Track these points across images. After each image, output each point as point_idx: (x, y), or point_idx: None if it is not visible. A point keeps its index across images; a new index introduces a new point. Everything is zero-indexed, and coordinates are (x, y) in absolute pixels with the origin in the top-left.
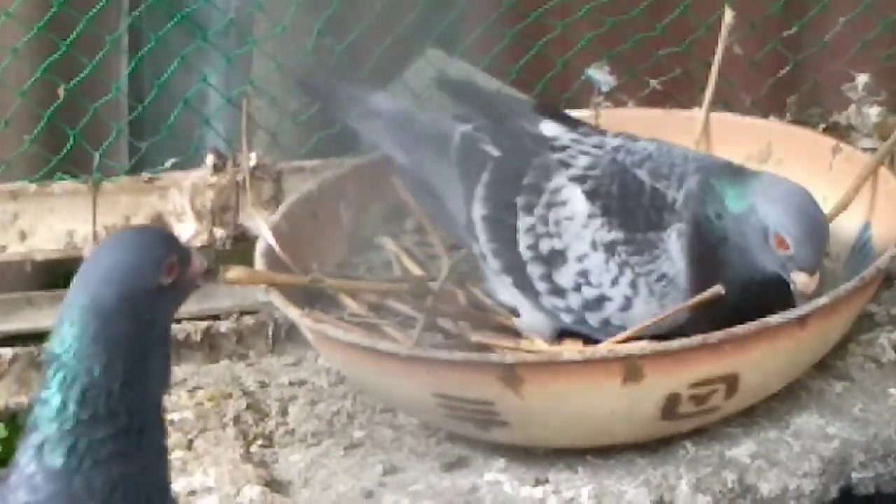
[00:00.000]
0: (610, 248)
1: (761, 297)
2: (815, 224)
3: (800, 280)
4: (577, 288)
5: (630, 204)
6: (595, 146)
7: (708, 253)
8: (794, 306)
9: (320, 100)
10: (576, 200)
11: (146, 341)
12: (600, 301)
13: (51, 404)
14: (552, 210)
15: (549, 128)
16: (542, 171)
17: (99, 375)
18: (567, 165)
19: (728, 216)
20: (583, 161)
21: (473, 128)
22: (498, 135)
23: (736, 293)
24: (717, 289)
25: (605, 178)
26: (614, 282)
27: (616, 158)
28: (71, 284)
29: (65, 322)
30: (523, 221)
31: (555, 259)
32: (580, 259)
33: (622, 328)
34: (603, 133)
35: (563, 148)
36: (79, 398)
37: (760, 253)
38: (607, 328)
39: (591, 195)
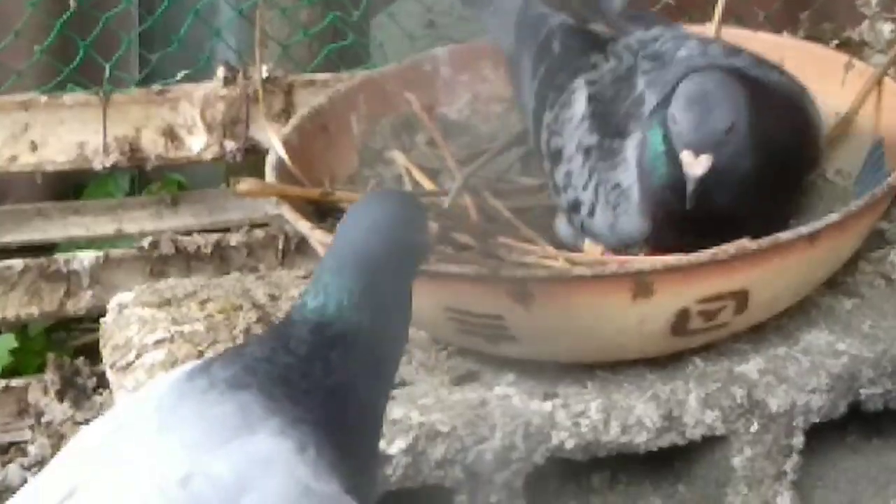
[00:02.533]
0: (587, 151)
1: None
2: (698, 98)
3: (684, 158)
4: (565, 188)
5: (614, 108)
6: (628, 48)
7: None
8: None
9: None
10: (579, 102)
11: (402, 298)
12: (577, 204)
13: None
14: (563, 109)
15: (620, 28)
16: (573, 71)
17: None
18: (595, 67)
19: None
20: (609, 64)
21: (556, 25)
22: (566, 33)
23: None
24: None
25: (612, 81)
26: (584, 186)
27: (635, 62)
28: (335, 235)
29: (329, 272)
30: (546, 117)
31: (556, 157)
32: (569, 159)
33: (592, 235)
34: (674, 30)
35: (607, 49)
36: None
37: (658, 156)
38: (583, 233)
39: (591, 98)
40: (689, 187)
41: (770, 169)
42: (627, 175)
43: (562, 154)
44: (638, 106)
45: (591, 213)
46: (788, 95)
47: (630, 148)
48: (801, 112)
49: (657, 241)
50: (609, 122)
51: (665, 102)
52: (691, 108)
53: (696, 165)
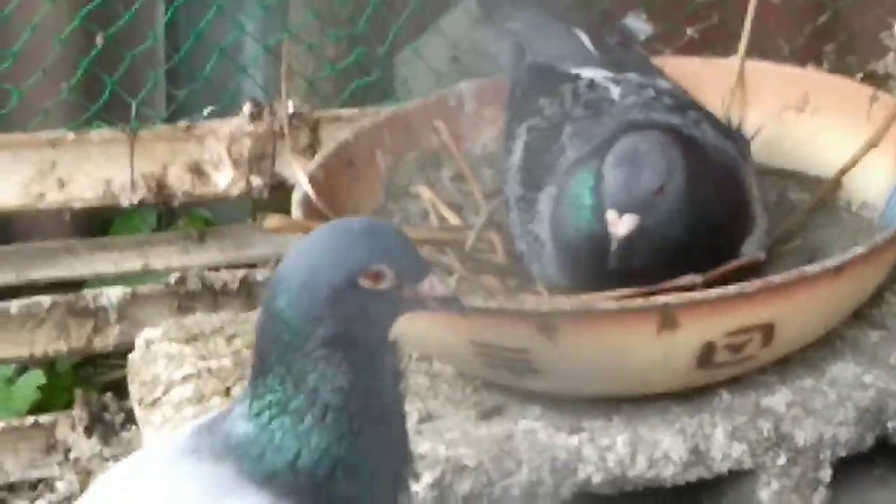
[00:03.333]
0: (518, 203)
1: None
2: (633, 157)
3: (609, 217)
4: (515, 237)
5: (538, 160)
6: (583, 88)
7: (564, 226)
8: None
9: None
10: (517, 151)
11: (363, 342)
12: (521, 253)
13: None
14: (508, 157)
15: (588, 68)
16: (523, 116)
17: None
18: (540, 112)
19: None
20: (552, 109)
21: (524, 68)
22: (531, 76)
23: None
24: (756, 255)
25: (546, 129)
26: (521, 236)
27: (569, 108)
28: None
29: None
30: (504, 164)
31: (507, 205)
32: (511, 210)
33: (535, 279)
34: (644, 71)
35: (556, 90)
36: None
37: (582, 211)
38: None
39: (525, 146)
40: (612, 247)
41: (700, 233)
42: (542, 227)
43: (508, 204)
44: (556, 157)
45: (528, 260)
46: (724, 160)
47: (543, 201)
48: (736, 178)
49: (579, 289)
50: (532, 174)
51: (594, 154)
52: (621, 167)
53: (619, 225)
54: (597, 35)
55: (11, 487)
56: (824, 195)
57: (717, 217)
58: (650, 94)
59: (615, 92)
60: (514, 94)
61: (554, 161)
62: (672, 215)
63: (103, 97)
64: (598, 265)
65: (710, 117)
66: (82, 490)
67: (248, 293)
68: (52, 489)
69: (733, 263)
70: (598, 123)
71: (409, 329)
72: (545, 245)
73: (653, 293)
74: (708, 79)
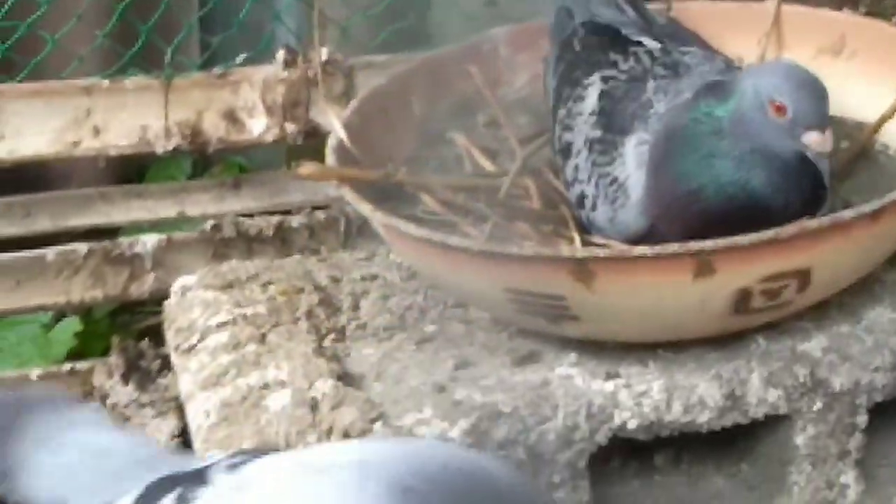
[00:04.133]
0: (591, 145)
1: (759, 197)
2: (807, 80)
3: (812, 140)
4: (573, 183)
5: (622, 106)
6: (648, 55)
7: (683, 163)
8: (809, 201)
9: None
10: (591, 97)
11: None
12: (582, 198)
13: None
14: (576, 103)
15: (639, 25)
16: (591, 66)
17: None
18: (614, 65)
19: (718, 120)
20: (628, 64)
21: (580, 24)
22: (589, 31)
23: (722, 200)
24: None
25: (626, 81)
26: (588, 179)
27: (646, 70)
28: None
29: None
30: (560, 113)
31: (566, 152)
32: (577, 153)
33: (596, 228)
34: (679, 38)
35: (627, 49)
36: None
37: (764, 134)
38: (590, 226)
39: (602, 94)
40: (824, 164)
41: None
42: (623, 170)
43: (571, 149)
44: (645, 109)
45: (594, 207)
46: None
47: (630, 145)
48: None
49: (654, 237)
50: (615, 119)
51: (705, 92)
52: (806, 88)
53: (824, 143)
54: (640, 7)
55: None
56: (865, 142)
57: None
58: (720, 64)
59: (688, 59)
60: (567, 46)
61: (641, 111)
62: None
63: (137, 44)
64: (736, 202)
65: None
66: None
67: (282, 240)
68: None
69: (845, 214)
70: (682, 83)
71: (444, 275)
72: (626, 187)
73: (761, 245)
74: (744, 22)
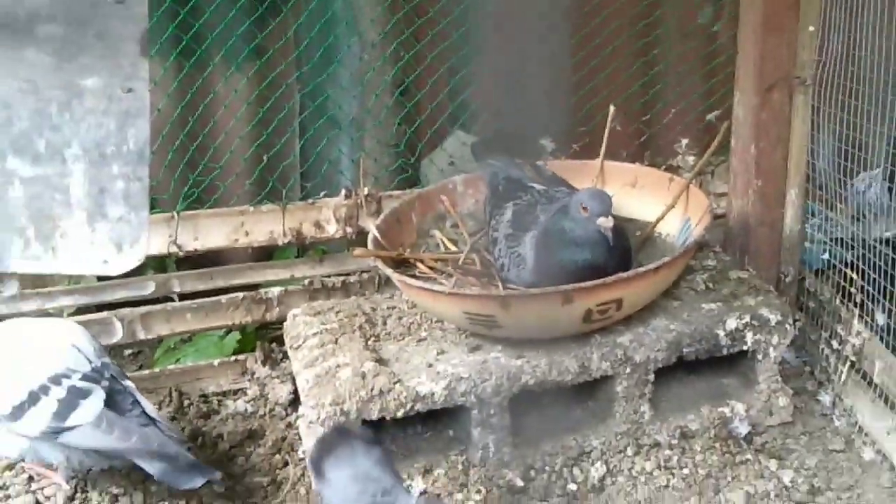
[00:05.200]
0: (507, 237)
1: (587, 261)
2: (598, 193)
3: (601, 221)
4: (498, 258)
5: (523, 218)
6: (540, 192)
7: (549, 246)
8: (604, 264)
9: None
10: (507, 214)
11: None
12: (502, 266)
13: None
14: (499, 217)
15: (533, 179)
16: (506, 200)
17: None
18: (519, 197)
19: (564, 220)
20: (526, 198)
21: (502, 178)
22: (507, 182)
23: (573, 260)
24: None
25: (526, 207)
26: (505, 255)
27: (538, 200)
28: None
29: None
30: (492, 223)
31: (494, 241)
32: (499, 242)
33: (510, 280)
34: (555, 183)
35: (527, 190)
36: None
37: (579, 222)
38: (506, 280)
39: (513, 214)
40: (609, 234)
41: (624, 247)
42: (524, 250)
43: (497, 239)
44: (535, 219)
45: (508, 269)
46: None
47: (527, 237)
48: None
49: (539, 285)
50: (519, 224)
51: (557, 212)
52: (595, 198)
53: (607, 223)
54: (533, 162)
55: (224, 394)
56: (649, 232)
57: (626, 240)
58: (566, 193)
59: (558, 194)
60: (495, 189)
61: (533, 220)
62: (616, 228)
63: (267, 188)
64: (574, 264)
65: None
66: (260, 393)
67: (345, 289)
68: (245, 394)
69: (640, 269)
70: (553, 206)
71: (430, 306)
72: (526, 261)
73: (596, 287)
74: (584, 171)
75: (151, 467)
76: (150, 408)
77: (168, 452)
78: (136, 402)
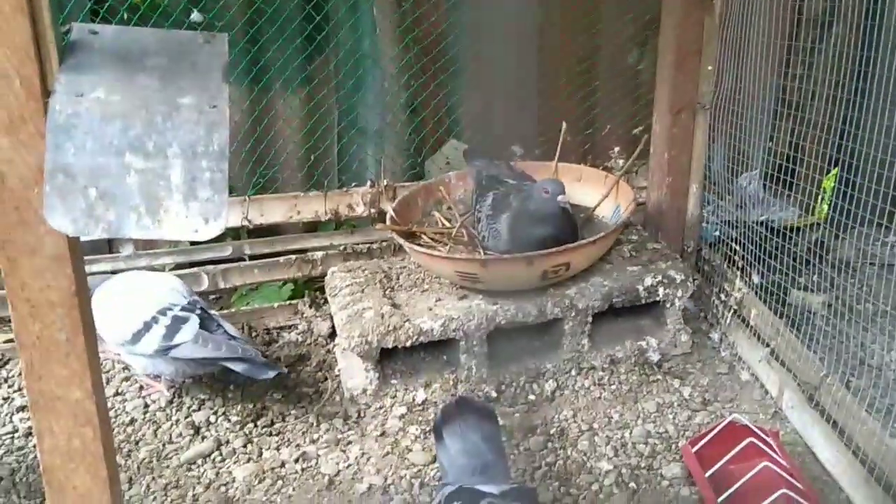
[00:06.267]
0: (487, 218)
1: (546, 233)
2: (554, 180)
3: (560, 199)
4: (480, 231)
5: (500, 203)
6: (513, 185)
7: (518, 223)
8: (564, 233)
9: (473, 158)
10: (488, 200)
11: None
12: (483, 237)
13: None
14: (482, 203)
15: (507, 175)
16: (487, 190)
17: None
18: (497, 189)
19: (530, 202)
20: (503, 189)
21: (484, 175)
22: (488, 179)
23: (535, 233)
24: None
25: (502, 196)
26: (486, 230)
27: (511, 191)
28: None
29: None
30: (476, 206)
31: (478, 220)
32: (482, 220)
33: (489, 249)
34: (524, 178)
35: (503, 183)
36: None
37: (541, 202)
38: (486, 249)
39: (493, 200)
40: (566, 206)
41: (571, 224)
42: (501, 226)
43: (480, 219)
44: (509, 204)
45: (488, 241)
46: (555, 198)
47: (503, 217)
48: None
49: (511, 252)
50: (497, 207)
51: (523, 199)
52: (552, 183)
53: (565, 198)
54: (507, 163)
55: (281, 328)
56: (590, 214)
57: (574, 220)
58: (530, 186)
59: (526, 186)
60: (479, 182)
61: (508, 205)
62: (566, 210)
63: (313, 179)
64: (537, 237)
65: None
66: (308, 328)
67: (370, 254)
68: (296, 329)
69: (583, 241)
70: (522, 194)
71: (431, 266)
72: (501, 234)
73: (551, 253)
74: (543, 169)
75: (237, 366)
76: (231, 328)
77: (249, 356)
78: (220, 325)
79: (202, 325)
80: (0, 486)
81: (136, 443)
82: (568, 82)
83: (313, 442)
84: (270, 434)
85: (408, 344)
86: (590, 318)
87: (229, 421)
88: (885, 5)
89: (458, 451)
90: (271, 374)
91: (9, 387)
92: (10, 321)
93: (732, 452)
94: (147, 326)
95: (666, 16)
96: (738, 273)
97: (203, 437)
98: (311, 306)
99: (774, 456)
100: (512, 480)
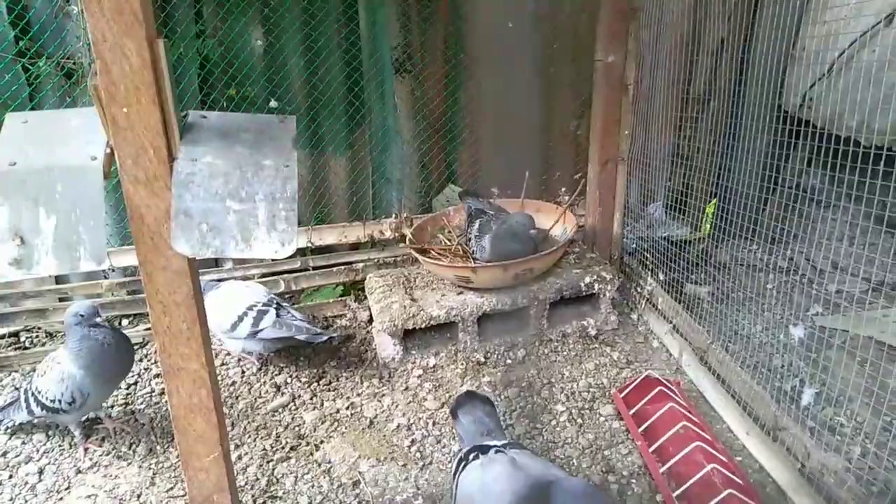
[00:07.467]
0: (475, 238)
1: (516, 248)
2: (525, 214)
3: (531, 232)
4: (471, 247)
5: (484, 227)
6: (493, 215)
7: (497, 241)
8: (532, 250)
9: (467, 196)
10: (475, 225)
11: None
12: (474, 252)
13: None
14: (471, 227)
15: (489, 208)
16: (474, 219)
17: None
18: (482, 217)
19: (505, 226)
20: (484, 218)
21: (473, 209)
22: (475, 210)
23: (509, 248)
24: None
25: (485, 222)
26: (475, 245)
27: (491, 219)
28: None
29: None
30: (467, 230)
31: (470, 240)
32: (471, 239)
33: (478, 260)
34: (500, 210)
35: (486, 214)
36: None
37: (520, 231)
38: (475, 259)
39: (479, 225)
40: (534, 233)
41: (533, 242)
42: (486, 242)
43: (470, 239)
44: (490, 228)
45: (476, 254)
46: (522, 224)
47: (486, 237)
48: (529, 232)
49: (492, 262)
50: (482, 230)
51: (500, 224)
52: (526, 217)
53: (533, 232)
54: (488, 200)
55: (335, 316)
56: (546, 233)
57: (536, 239)
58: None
59: (499, 216)
60: (470, 213)
61: (490, 229)
62: (533, 233)
63: (356, 214)
64: (510, 250)
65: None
66: (353, 317)
67: (395, 265)
68: (345, 317)
69: (542, 253)
70: (498, 221)
71: (437, 272)
72: (485, 249)
73: (519, 262)
74: (514, 204)
75: (304, 337)
76: (299, 315)
77: (312, 331)
78: (291, 313)
79: (277, 315)
80: (143, 430)
81: (236, 398)
82: (530, 143)
83: (358, 395)
84: (329, 390)
85: (422, 326)
86: (548, 306)
87: (300, 381)
88: (747, 88)
89: (469, 423)
90: (324, 338)
91: (148, 360)
92: (148, 316)
93: (648, 397)
94: (240, 318)
95: (596, 96)
96: (649, 273)
97: (282, 393)
98: (355, 301)
99: (677, 399)
100: (507, 438)
